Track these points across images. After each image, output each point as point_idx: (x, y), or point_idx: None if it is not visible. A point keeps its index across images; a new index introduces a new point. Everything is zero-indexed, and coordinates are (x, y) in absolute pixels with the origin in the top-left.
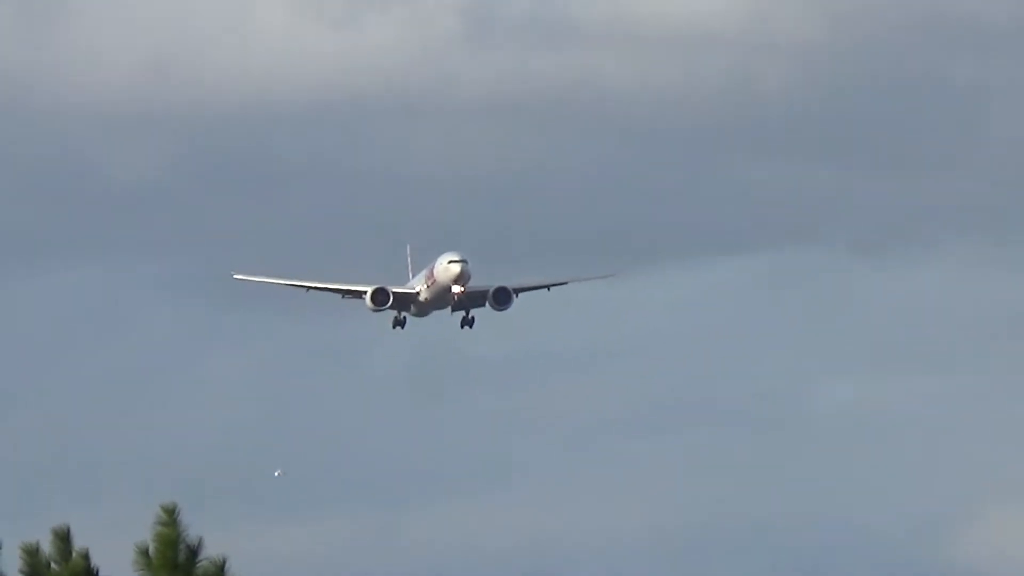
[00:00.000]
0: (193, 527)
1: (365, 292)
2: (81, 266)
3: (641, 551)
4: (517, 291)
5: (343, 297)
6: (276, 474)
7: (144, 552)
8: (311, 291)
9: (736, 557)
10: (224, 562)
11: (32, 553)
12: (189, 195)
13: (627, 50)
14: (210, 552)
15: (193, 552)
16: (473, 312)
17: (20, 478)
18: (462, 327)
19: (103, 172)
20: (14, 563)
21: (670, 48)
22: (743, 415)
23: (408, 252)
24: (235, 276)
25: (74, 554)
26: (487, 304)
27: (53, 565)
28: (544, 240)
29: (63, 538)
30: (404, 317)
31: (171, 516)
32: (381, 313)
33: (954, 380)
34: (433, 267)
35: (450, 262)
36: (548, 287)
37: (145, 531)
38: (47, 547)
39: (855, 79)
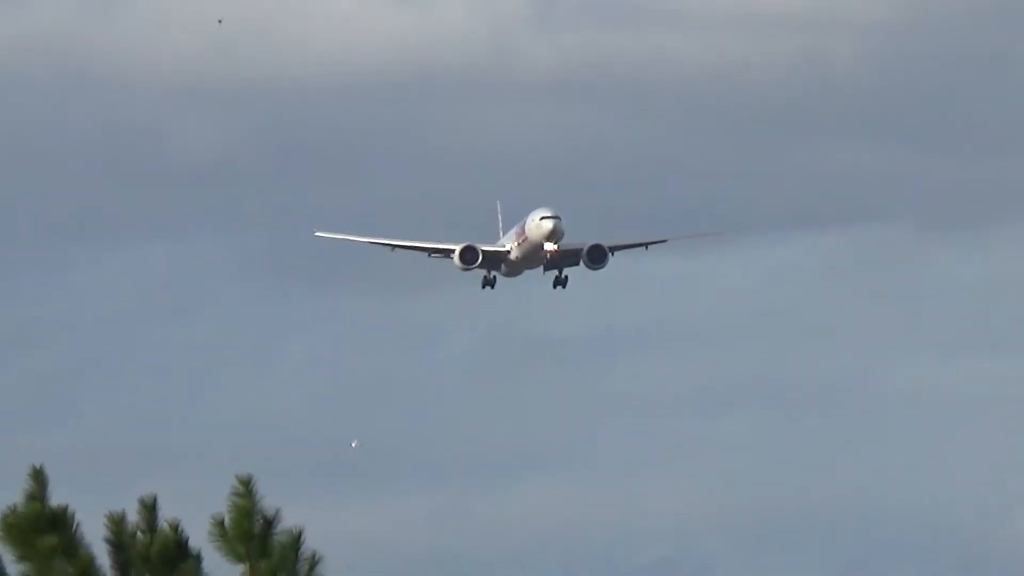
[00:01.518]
0: (270, 499)
1: (453, 250)
2: (155, 241)
3: (710, 532)
4: (613, 249)
5: (429, 256)
6: (352, 445)
7: (220, 523)
8: (396, 250)
9: (805, 538)
10: (300, 534)
11: (117, 522)
12: (263, 169)
13: (696, 29)
14: (286, 524)
15: (269, 523)
16: (567, 271)
17: (102, 451)
18: (555, 287)
19: (177, 147)
20: (99, 533)
21: (739, 27)
22: (812, 395)
23: (498, 209)
24: (317, 234)
25: (164, 524)
26: (581, 263)
27: (139, 535)
28: (618, 214)
29: (150, 508)
30: (494, 277)
31: (246, 487)
32: (470, 272)
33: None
34: (524, 224)
35: (542, 218)
36: (646, 245)
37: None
38: (133, 517)
39: (927, 58)
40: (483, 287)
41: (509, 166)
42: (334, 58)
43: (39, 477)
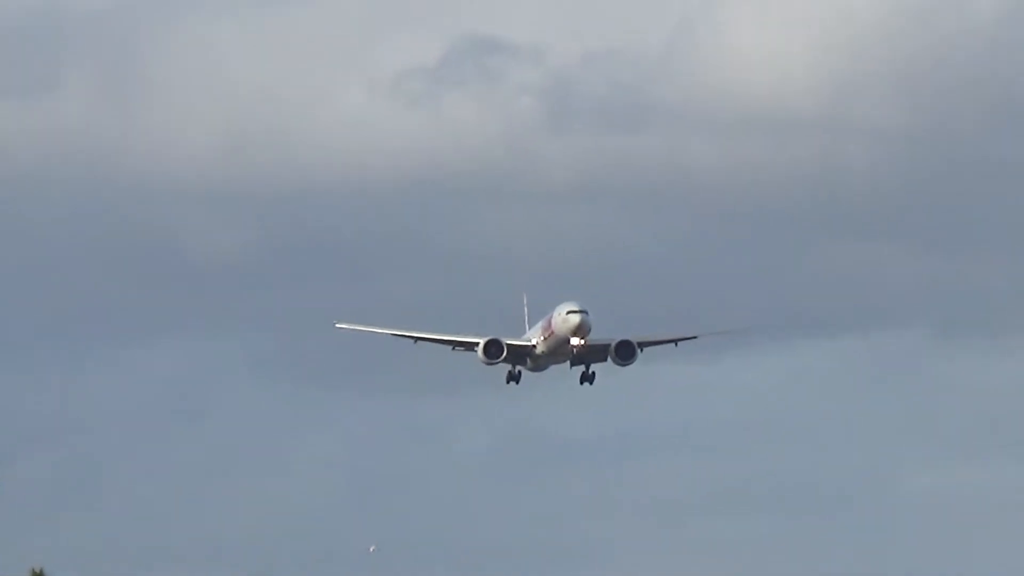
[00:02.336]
0: None
1: (477, 343)
2: (170, 340)
3: None
4: (642, 345)
5: (453, 349)
6: (371, 550)
7: None
8: (419, 342)
9: None
10: None
11: None
12: (278, 269)
13: (710, 132)
14: None
15: None
16: (594, 367)
17: (116, 551)
18: (581, 383)
19: (192, 247)
20: None
21: (754, 130)
22: (827, 497)
23: (525, 302)
24: (338, 325)
25: None
26: (608, 359)
27: None
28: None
29: None
30: (519, 371)
31: None
32: (494, 367)
33: None
34: (551, 317)
35: (569, 312)
36: (676, 341)
37: None
38: None
39: (942, 163)
40: (508, 382)
41: (526, 265)
42: (347, 160)
43: None
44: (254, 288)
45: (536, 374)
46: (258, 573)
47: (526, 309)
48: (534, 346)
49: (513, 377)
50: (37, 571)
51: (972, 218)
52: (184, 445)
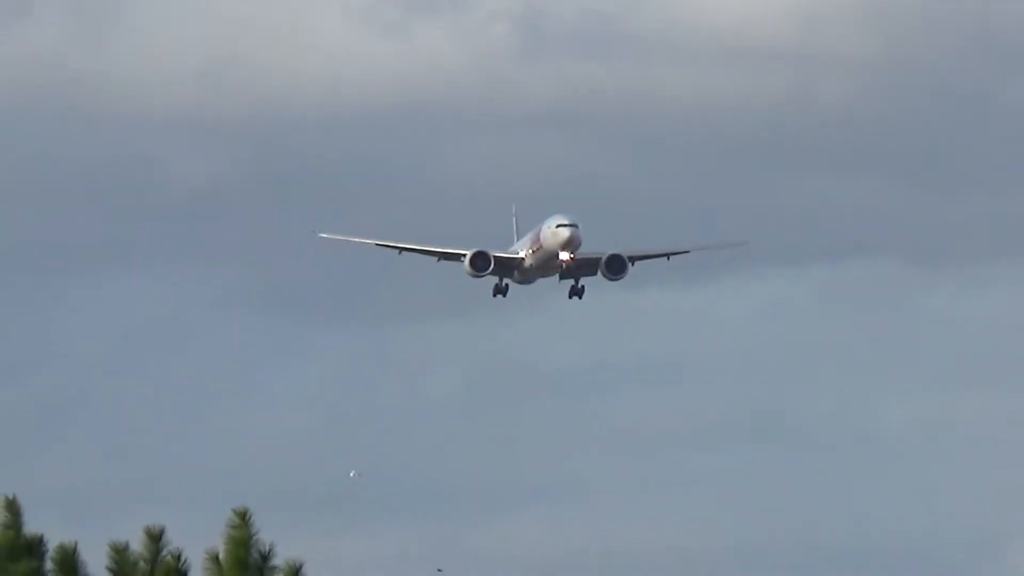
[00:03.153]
0: (268, 532)
1: (463, 255)
2: (142, 273)
3: (705, 566)
4: (633, 259)
5: (438, 260)
6: (351, 475)
7: (215, 558)
8: (403, 253)
9: (800, 573)
10: (300, 568)
11: (120, 551)
12: (255, 198)
13: (685, 62)
14: (284, 557)
15: (264, 557)
16: (584, 281)
17: (89, 482)
18: (570, 297)
19: (169, 177)
20: (102, 563)
21: (724, 60)
22: (800, 431)
23: (514, 212)
24: (320, 235)
25: (165, 554)
26: (599, 273)
27: (142, 564)
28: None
29: (155, 538)
30: (506, 284)
31: (243, 520)
32: (481, 279)
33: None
34: (540, 230)
35: (559, 226)
36: (668, 255)
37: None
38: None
39: (918, 95)
40: (495, 295)
41: (506, 188)
42: (321, 88)
43: (12, 507)
44: (229, 216)
45: (524, 287)
46: (236, 501)
47: (515, 220)
48: (522, 259)
49: (500, 290)
50: (9, 498)
51: (947, 149)
52: (159, 375)
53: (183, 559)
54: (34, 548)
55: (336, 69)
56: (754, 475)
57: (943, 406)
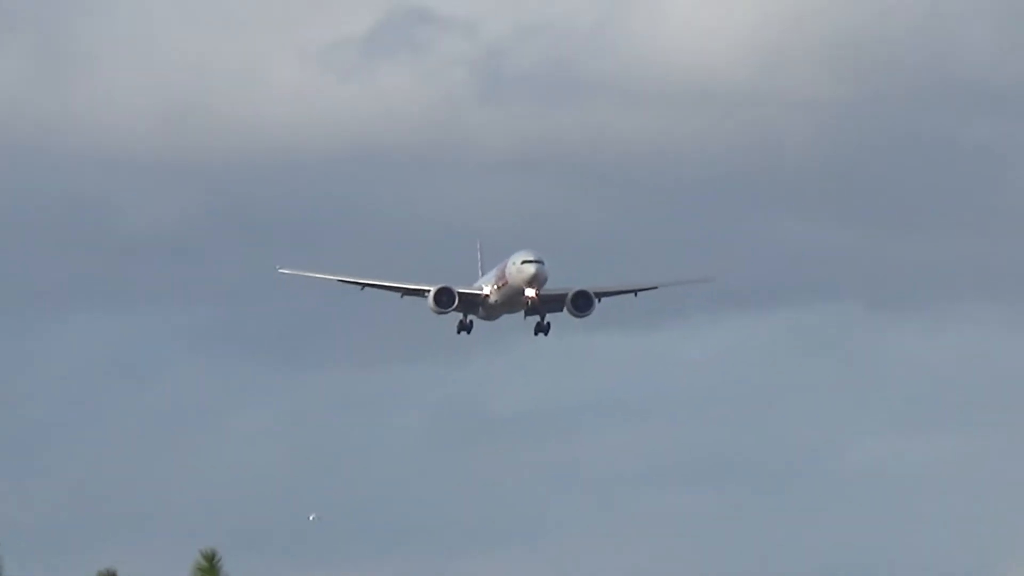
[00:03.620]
0: (233, 573)
1: (427, 291)
2: (105, 313)
3: None
4: (600, 295)
5: (402, 296)
6: (311, 518)
7: None
8: (366, 288)
9: None
10: None
11: None
12: (215, 241)
13: (640, 104)
14: None
15: None
16: (549, 317)
17: (59, 525)
18: (536, 333)
19: (125, 220)
20: None
21: (684, 102)
22: (761, 471)
23: (478, 247)
24: (281, 270)
25: None
26: (565, 309)
27: None
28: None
29: None
30: (471, 321)
31: (211, 563)
32: (445, 316)
33: (973, 438)
34: (505, 266)
35: (524, 262)
36: (635, 292)
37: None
38: None
39: (878, 137)
40: (459, 331)
41: (467, 230)
42: (280, 132)
43: None
44: (190, 257)
45: (488, 323)
46: (196, 541)
47: (479, 255)
48: (487, 295)
49: (464, 327)
50: None
51: (909, 191)
52: (122, 415)
53: None
54: None
55: (295, 112)
56: (719, 514)
57: (905, 446)
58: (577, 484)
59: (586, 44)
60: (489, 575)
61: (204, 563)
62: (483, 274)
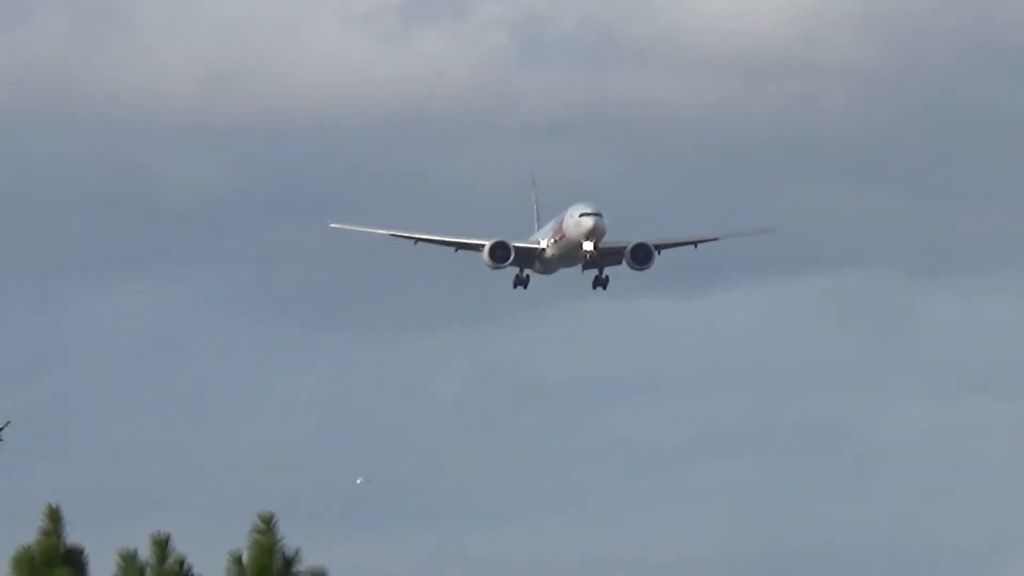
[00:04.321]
0: (288, 538)
1: (482, 245)
2: (145, 279)
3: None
4: (659, 248)
5: (456, 251)
6: (358, 482)
7: (237, 560)
8: (419, 243)
9: None
10: (323, 574)
11: (128, 559)
12: (255, 205)
13: (680, 70)
14: (307, 563)
15: (288, 562)
16: (608, 271)
17: (94, 488)
18: (594, 287)
19: (164, 185)
20: (110, 570)
21: (725, 68)
22: (801, 439)
23: (534, 199)
24: (332, 225)
25: (170, 560)
26: (624, 262)
27: (148, 571)
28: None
29: (162, 545)
30: (527, 275)
31: (268, 525)
32: (500, 271)
33: (1013, 407)
34: (562, 219)
35: (582, 215)
36: (696, 243)
37: (233, 541)
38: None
39: (918, 104)
40: (515, 286)
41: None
42: (320, 96)
43: (55, 515)
44: (230, 222)
45: (546, 277)
46: (242, 508)
47: (535, 207)
48: (544, 249)
49: (521, 281)
50: (53, 507)
51: (949, 159)
52: (164, 382)
53: (186, 565)
54: (73, 557)
55: (334, 76)
56: (757, 485)
57: (945, 416)
58: (616, 453)
59: (628, 8)
60: (535, 543)
61: (262, 525)
62: (539, 227)
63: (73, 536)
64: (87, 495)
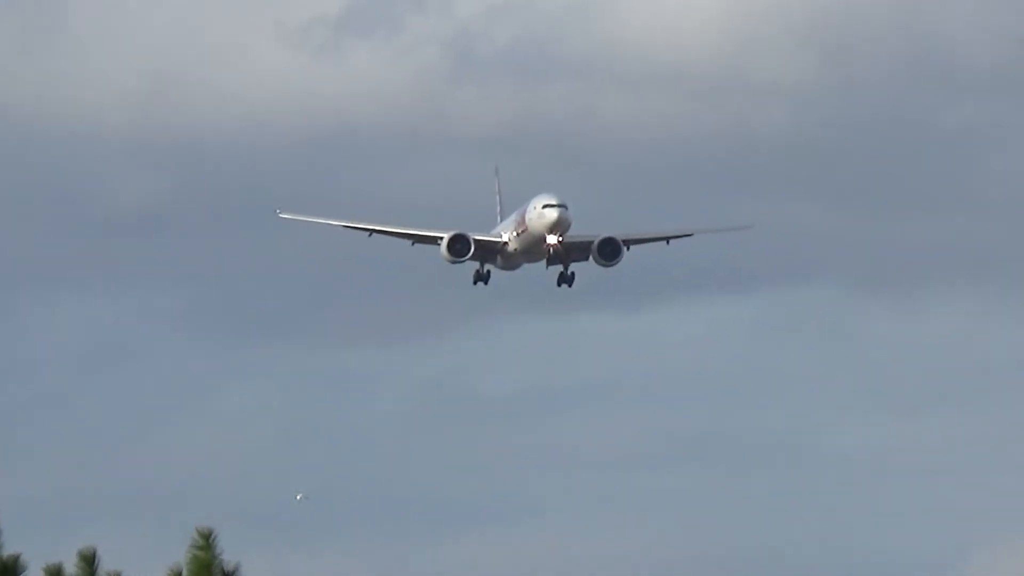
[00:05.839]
0: (227, 553)
1: (441, 238)
2: (88, 293)
3: None
4: (628, 243)
5: (412, 244)
6: (298, 497)
7: (178, 574)
8: (374, 235)
9: None
10: None
11: (54, 574)
12: (191, 221)
13: (614, 86)
14: None
15: None
16: (574, 267)
17: (43, 505)
18: (559, 284)
19: (102, 197)
20: None
21: (659, 85)
22: (745, 454)
23: (497, 186)
24: (281, 215)
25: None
26: (591, 258)
27: None
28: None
29: (89, 560)
30: (488, 271)
31: (207, 540)
32: (459, 265)
33: (952, 421)
34: (525, 211)
35: (545, 206)
36: (668, 239)
37: (172, 557)
38: (72, 570)
39: (855, 119)
40: (475, 282)
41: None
42: (256, 110)
43: None
44: (171, 236)
45: (508, 273)
46: (184, 521)
47: (498, 197)
48: (506, 243)
49: (481, 277)
50: None
51: (886, 175)
52: (107, 395)
53: None
54: (9, 570)
55: (270, 89)
56: (700, 497)
57: (884, 430)
58: (561, 464)
59: (562, 24)
60: (481, 555)
61: (200, 541)
62: (502, 220)
63: (9, 548)
64: (25, 507)
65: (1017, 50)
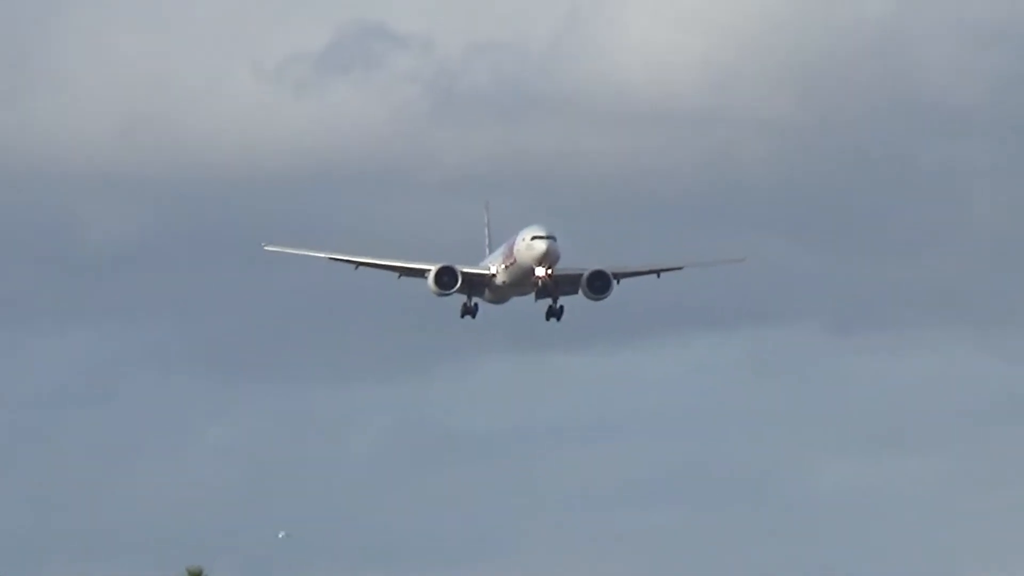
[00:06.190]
0: None
1: (428, 271)
2: (68, 329)
3: None
4: (618, 276)
5: (399, 277)
6: (280, 536)
7: None
8: (360, 268)
9: None
10: None
11: None
12: (172, 256)
13: (593, 124)
14: None
15: None
16: (563, 300)
17: (15, 541)
18: (547, 318)
19: (82, 235)
20: None
21: (638, 122)
22: (723, 492)
23: (486, 221)
24: (267, 248)
25: None
26: (580, 291)
27: None
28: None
29: None
30: (476, 304)
31: None
32: (447, 298)
33: (928, 461)
34: (513, 243)
35: (534, 238)
36: (658, 272)
37: None
38: None
39: (830, 157)
40: (463, 315)
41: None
42: (236, 146)
43: None
44: (148, 275)
45: (496, 307)
46: (164, 561)
47: (487, 230)
48: (494, 275)
49: (469, 310)
50: None
51: (865, 213)
52: (84, 434)
53: None
54: None
55: (250, 126)
56: (680, 535)
57: (864, 468)
58: (542, 502)
59: (541, 63)
60: None
61: None
62: (490, 252)
63: None
64: (9, 545)
65: (995, 90)
